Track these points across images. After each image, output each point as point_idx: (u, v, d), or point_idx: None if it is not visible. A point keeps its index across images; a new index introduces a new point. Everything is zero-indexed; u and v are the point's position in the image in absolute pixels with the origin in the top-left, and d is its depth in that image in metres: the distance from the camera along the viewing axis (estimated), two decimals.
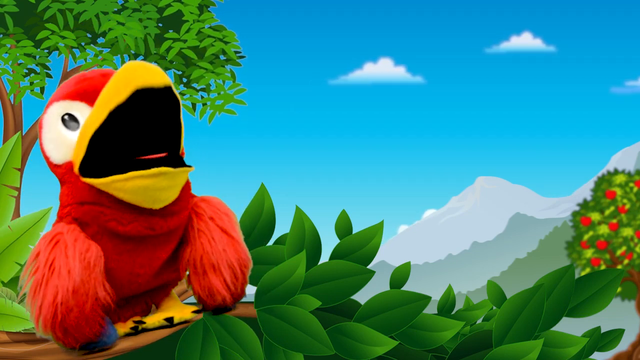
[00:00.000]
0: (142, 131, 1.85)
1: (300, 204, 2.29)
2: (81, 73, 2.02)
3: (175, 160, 1.88)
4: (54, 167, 2.00)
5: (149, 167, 1.84)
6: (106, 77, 1.94)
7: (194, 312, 2.11)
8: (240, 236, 2.09)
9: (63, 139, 1.96)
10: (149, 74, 1.82)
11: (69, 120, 1.95)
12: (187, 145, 1.99)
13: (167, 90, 1.84)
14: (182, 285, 2.35)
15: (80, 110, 1.95)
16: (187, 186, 2.01)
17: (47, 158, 2.01)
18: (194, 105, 6.74)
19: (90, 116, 1.89)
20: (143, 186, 1.86)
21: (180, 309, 2.12)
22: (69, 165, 1.96)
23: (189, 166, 1.90)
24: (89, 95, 1.94)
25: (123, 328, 2.07)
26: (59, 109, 1.97)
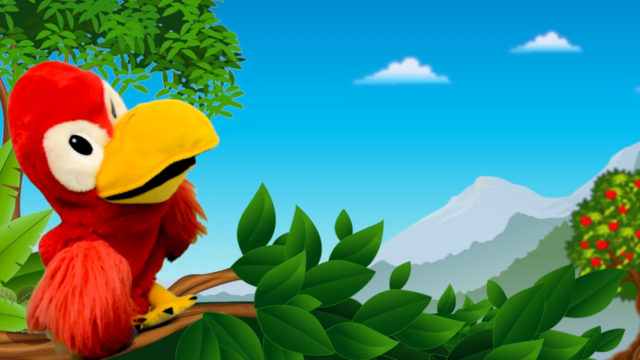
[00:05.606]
0: None
1: (301, 204, 2.29)
2: (45, 84, 1.86)
3: None
4: (69, 194, 1.90)
5: (182, 170, 1.87)
6: (85, 85, 1.88)
7: (191, 298, 2.12)
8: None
9: (84, 168, 1.87)
10: (214, 136, 1.87)
11: (79, 143, 1.87)
12: None
13: None
14: (183, 285, 2.35)
15: (87, 131, 1.88)
16: None
17: (60, 187, 1.89)
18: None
19: (145, 159, 1.83)
20: (175, 185, 1.91)
21: (177, 300, 2.13)
22: (94, 192, 1.90)
23: None
24: (88, 111, 1.88)
25: None
26: (62, 133, 1.86)
